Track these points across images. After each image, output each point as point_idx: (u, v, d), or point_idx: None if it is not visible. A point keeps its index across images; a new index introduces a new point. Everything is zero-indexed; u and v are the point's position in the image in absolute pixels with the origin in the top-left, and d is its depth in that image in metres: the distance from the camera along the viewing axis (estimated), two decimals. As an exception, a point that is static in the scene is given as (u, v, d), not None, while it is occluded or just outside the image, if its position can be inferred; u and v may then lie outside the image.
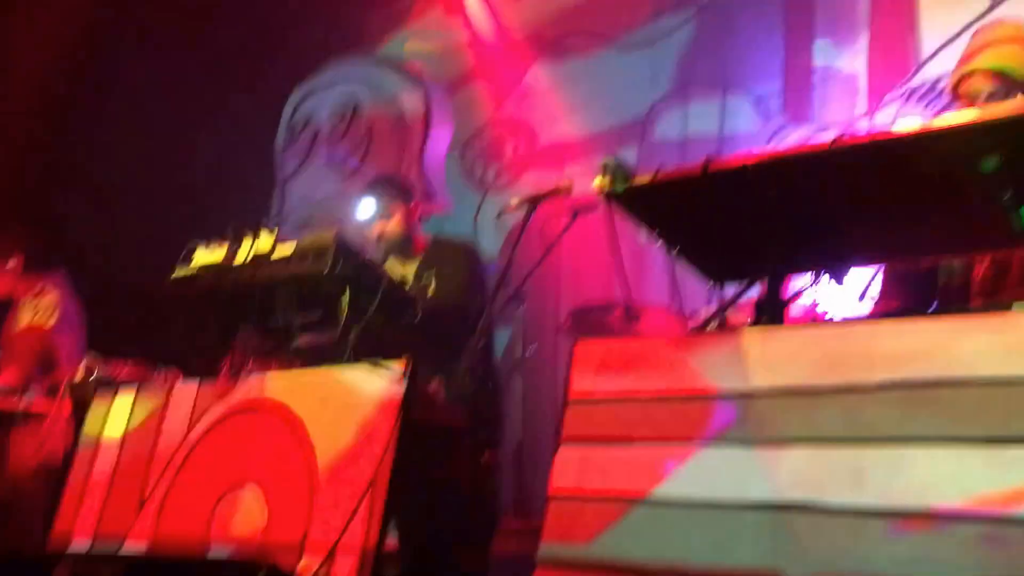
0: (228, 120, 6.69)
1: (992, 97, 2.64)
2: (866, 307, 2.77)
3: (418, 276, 3.76)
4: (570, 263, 5.30)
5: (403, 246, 3.88)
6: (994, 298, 2.46)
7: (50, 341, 4.81)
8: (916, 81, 4.97)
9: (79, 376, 3.50)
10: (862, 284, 2.74)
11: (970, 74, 2.72)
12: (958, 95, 2.75)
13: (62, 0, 5.92)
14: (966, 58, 2.77)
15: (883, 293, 2.79)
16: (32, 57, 5.80)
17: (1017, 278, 2.51)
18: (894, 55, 5.24)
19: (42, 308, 4.89)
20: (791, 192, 2.14)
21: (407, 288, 3.55)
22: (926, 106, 2.89)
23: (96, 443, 3.21)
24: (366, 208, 3.89)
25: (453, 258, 3.81)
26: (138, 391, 3.24)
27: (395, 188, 4.01)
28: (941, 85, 2.95)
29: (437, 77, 7.01)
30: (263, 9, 6.70)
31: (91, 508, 3.10)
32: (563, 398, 2.27)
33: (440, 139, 6.85)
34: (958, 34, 4.78)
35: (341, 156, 7.24)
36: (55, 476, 3.93)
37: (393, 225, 3.86)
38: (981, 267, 2.63)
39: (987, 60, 2.71)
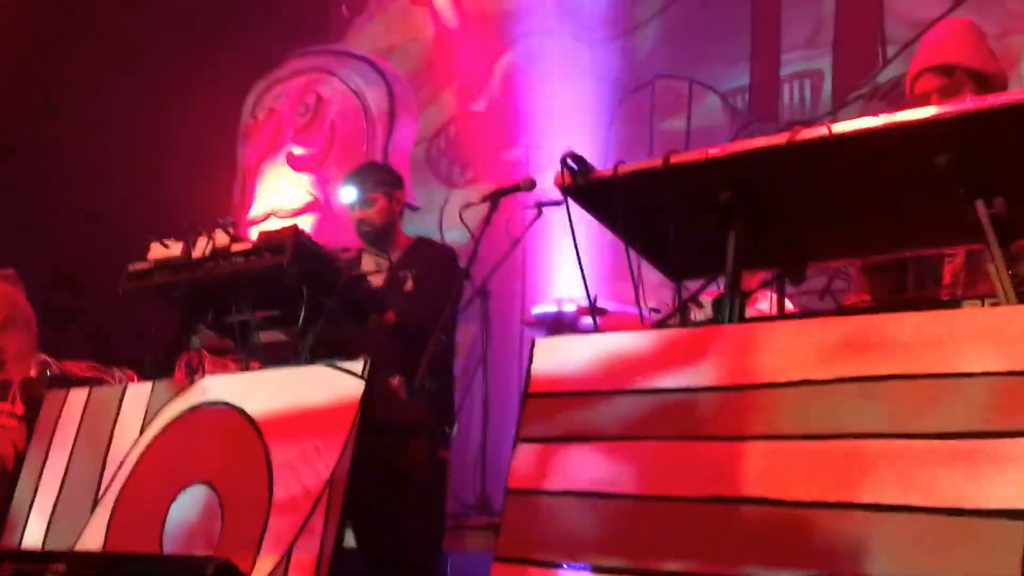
0: (187, 112, 6.63)
1: (944, 93, 2.69)
2: (832, 302, 2.80)
3: (395, 271, 3.74)
4: (534, 259, 5.30)
5: (382, 236, 3.87)
6: (968, 292, 2.48)
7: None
8: (881, 78, 5.03)
9: (32, 375, 3.46)
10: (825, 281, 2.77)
11: (918, 75, 2.78)
12: (914, 96, 2.80)
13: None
14: (916, 59, 2.84)
15: (854, 287, 2.82)
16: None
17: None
18: (859, 52, 5.29)
19: None
20: (750, 187, 2.14)
21: (376, 283, 3.53)
22: (890, 103, 2.96)
23: (49, 443, 3.17)
24: (348, 193, 3.89)
25: (436, 262, 3.81)
26: (91, 390, 3.19)
27: (380, 175, 4.00)
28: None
29: (402, 70, 7.00)
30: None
31: (43, 508, 3.06)
32: (523, 393, 2.26)
33: (405, 133, 6.85)
34: (923, 31, 4.83)
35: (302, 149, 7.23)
36: (6, 476, 3.88)
37: (374, 213, 3.85)
38: (953, 262, 2.65)
39: (934, 57, 2.77)
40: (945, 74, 2.71)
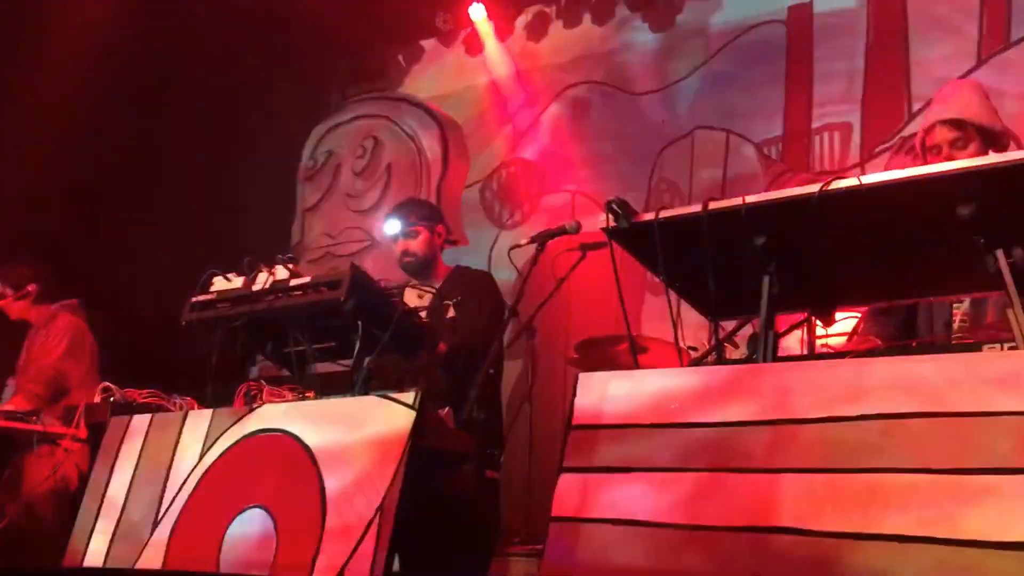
0: (250, 152, 6.79)
1: (954, 145, 2.84)
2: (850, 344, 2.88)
3: (438, 300, 3.86)
4: (579, 298, 5.38)
5: (424, 267, 4.02)
6: (973, 337, 2.57)
7: (62, 366, 4.91)
8: (907, 131, 5.13)
9: (95, 401, 3.55)
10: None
11: (932, 127, 2.92)
12: (926, 147, 2.94)
13: (83, 34, 6.01)
14: (929, 113, 2.98)
15: (864, 332, 2.90)
16: (52, 87, 5.89)
17: (993, 319, 2.62)
18: (887, 106, 5.40)
19: (54, 334, 5.01)
20: (783, 234, 2.23)
21: (424, 314, 3.65)
22: (916, 156, 3.07)
23: (111, 466, 3.26)
24: (392, 226, 4.06)
25: (476, 288, 3.93)
26: (153, 416, 3.28)
27: (422, 210, 4.18)
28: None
29: (455, 117, 7.16)
30: (285, 42, 6.78)
31: (106, 527, 3.14)
32: (566, 426, 2.34)
33: (456, 176, 7.00)
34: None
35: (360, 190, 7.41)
36: (70, 499, 3.99)
37: (417, 244, 4.03)
38: (961, 309, 2.75)
39: (945, 112, 2.91)
40: (957, 127, 2.87)
